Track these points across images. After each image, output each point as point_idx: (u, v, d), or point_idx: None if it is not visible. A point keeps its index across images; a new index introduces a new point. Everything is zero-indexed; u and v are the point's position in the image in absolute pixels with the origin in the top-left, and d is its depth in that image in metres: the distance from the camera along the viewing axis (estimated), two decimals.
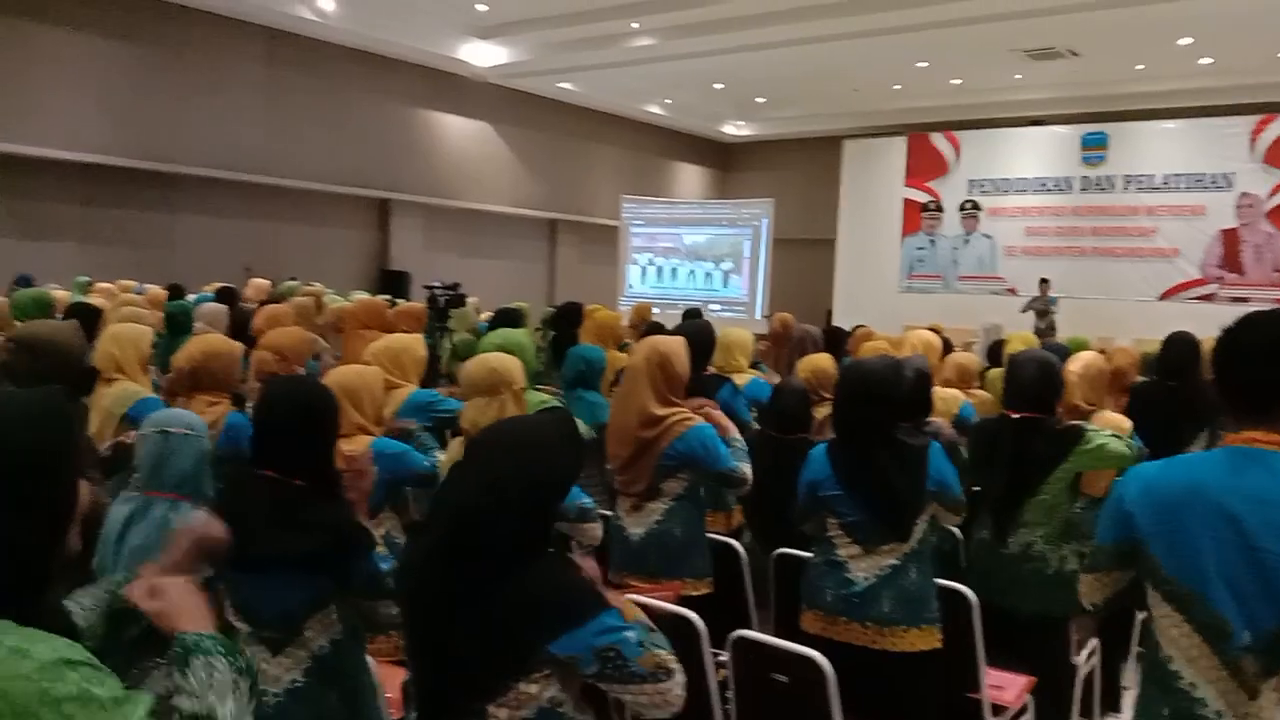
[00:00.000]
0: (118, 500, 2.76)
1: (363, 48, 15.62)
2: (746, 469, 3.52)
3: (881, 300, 18.97)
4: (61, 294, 8.06)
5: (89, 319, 5.51)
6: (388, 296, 9.78)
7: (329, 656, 2.45)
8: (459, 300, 8.40)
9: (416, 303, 8.44)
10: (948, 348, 6.45)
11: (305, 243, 15.57)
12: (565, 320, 7.18)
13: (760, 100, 20.15)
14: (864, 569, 3.17)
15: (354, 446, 3.04)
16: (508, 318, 7.33)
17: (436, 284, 8.43)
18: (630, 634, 1.87)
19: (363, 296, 8.91)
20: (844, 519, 3.20)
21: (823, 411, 4.36)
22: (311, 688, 2.44)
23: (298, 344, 4.07)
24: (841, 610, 3.19)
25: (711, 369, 4.89)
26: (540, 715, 1.85)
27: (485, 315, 8.79)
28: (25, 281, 9.64)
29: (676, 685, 1.91)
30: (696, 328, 4.84)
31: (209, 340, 3.72)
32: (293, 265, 14.04)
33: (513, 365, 3.07)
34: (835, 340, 6.97)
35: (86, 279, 9.68)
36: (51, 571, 1.36)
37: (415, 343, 4.21)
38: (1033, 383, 3.53)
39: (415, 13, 14.52)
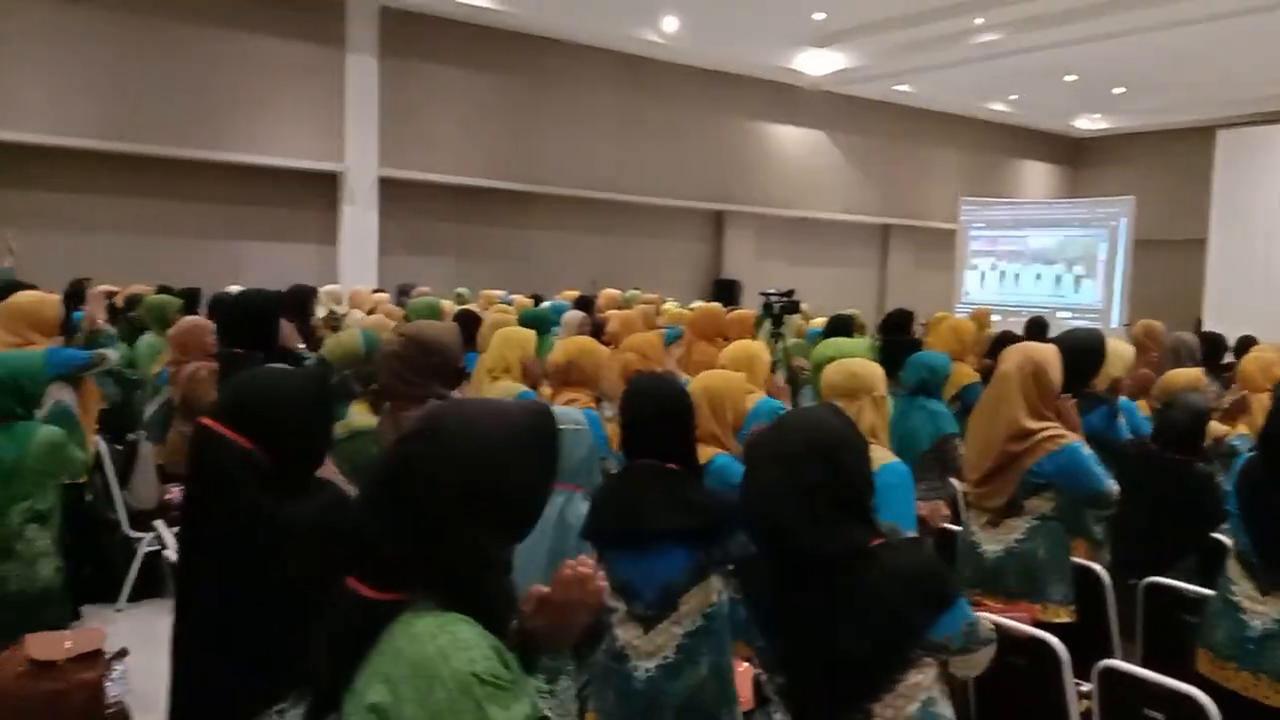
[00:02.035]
0: None
1: (702, 65, 16.19)
2: (1115, 488, 3.30)
3: (1264, 307, 16.84)
4: (445, 303, 9.04)
5: (469, 325, 6.14)
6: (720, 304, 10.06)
7: (701, 630, 2.61)
8: (794, 307, 8.49)
9: (747, 310, 8.62)
10: None
11: (646, 254, 16.40)
12: (897, 327, 7.05)
13: (1118, 91, 18.59)
14: (1261, 613, 2.86)
15: (702, 455, 3.11)
16: (841, 324, 7.32)
17: (772, 291, 8.55)
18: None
19: (699, 304, 9.24)
20: (1242, 553, 2.91)
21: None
22: (683, 662, 2.60)
23: (657, 346, 4.31)
24: (1232, 656, 2.90)
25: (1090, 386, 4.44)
26: (923, 708, 1.84)
27: (817, 321, 8.81)
28: (406, 290, 10.86)
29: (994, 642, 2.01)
30: (1081, 337, 4.18)
31: (582, 340, 4.04)
32: (634, 276, 14.85)
33: (874, 371, 3.05)
34: (1215, 349, 6.30)
35: (466, 290, 10.74)
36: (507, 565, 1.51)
37: (762, 350, 4.29)
38: None
39: (753, 27, 14.81)
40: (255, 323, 4.50)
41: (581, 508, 3.04)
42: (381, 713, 1.32)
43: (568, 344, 4.00)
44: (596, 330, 6.91)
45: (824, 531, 1.84)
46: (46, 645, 3.07)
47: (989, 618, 2.55)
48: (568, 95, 15.12)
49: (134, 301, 7.57)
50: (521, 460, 1.46)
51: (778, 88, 17.31)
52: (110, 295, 7.73)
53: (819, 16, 14.72)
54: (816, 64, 16.70)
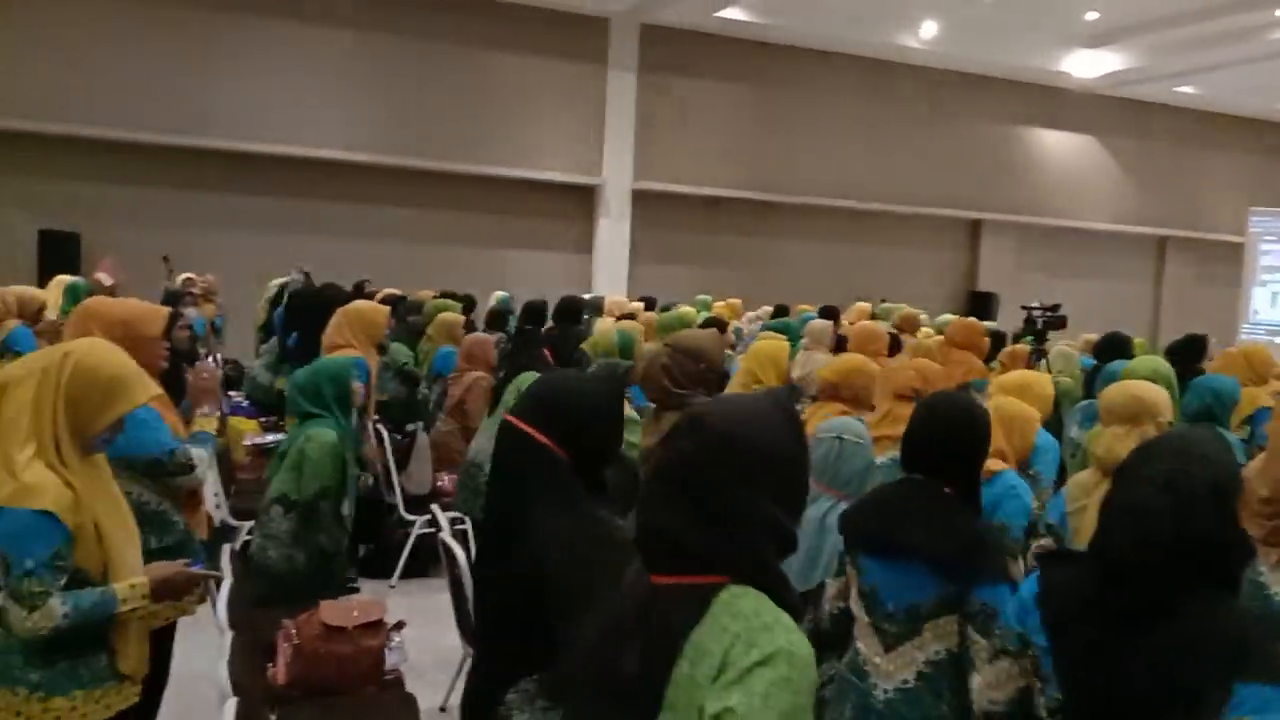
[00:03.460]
0: None
1: (959, 69, 15.65)
2: None
3: None
4: (689, 311, 9.22)
5: (722, 330, 6.26)
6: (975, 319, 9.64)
7: (945, 664, 2.51)
8: (1059, 322, 8.02)
9: (1020, 346, 8.18)
10: None
11: (893, 264, 16.01)
12: (1187, 355, 6.44)
13: None
14: None
15: (989, 466, 3.02)
16: (1117, 345, 6.82)
17: (1035, 305, 8.13)
18: None
19: (951, 318, 8.91)
20: None
21: None
22: (922, 692, 2.52)
23: (939, 369, 4.21)
24: None
25: None
26: None
27: (1087, 338, 8.26)
28: (653, 301, 11.13)
29: None
30: None
31: (854, 360, 4.06)
32: (881, 286, 14.51)
33: (1160, 396, 2.85)
34: None
35: (708, 297, 10.91)
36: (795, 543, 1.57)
37: (1043, 380, 4.05)
38: None
39: (1019, 28, 14.17)
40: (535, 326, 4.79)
41: None
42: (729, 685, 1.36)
43: (838, 362, 4.05)
44: (841, 342, 6.83)
45: (1193, 580, 1.77)
46: (338, 612, 3.40)
47: None
48: (817, 103, 15.04)
49: (415, 306, 8.20)
50: (780, 436, 1.50)
51: (1042, 90, 16.45)
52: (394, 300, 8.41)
53: (1091, 16, 13.89)
54: (1087, 65, 15.74)
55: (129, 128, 11.48)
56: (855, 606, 2.61)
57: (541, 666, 1.97)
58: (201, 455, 3.17)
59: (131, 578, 2.33)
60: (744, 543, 1.44)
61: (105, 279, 7.59)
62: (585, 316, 8.29)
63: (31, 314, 5.35)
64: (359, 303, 5.51)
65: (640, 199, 14.12)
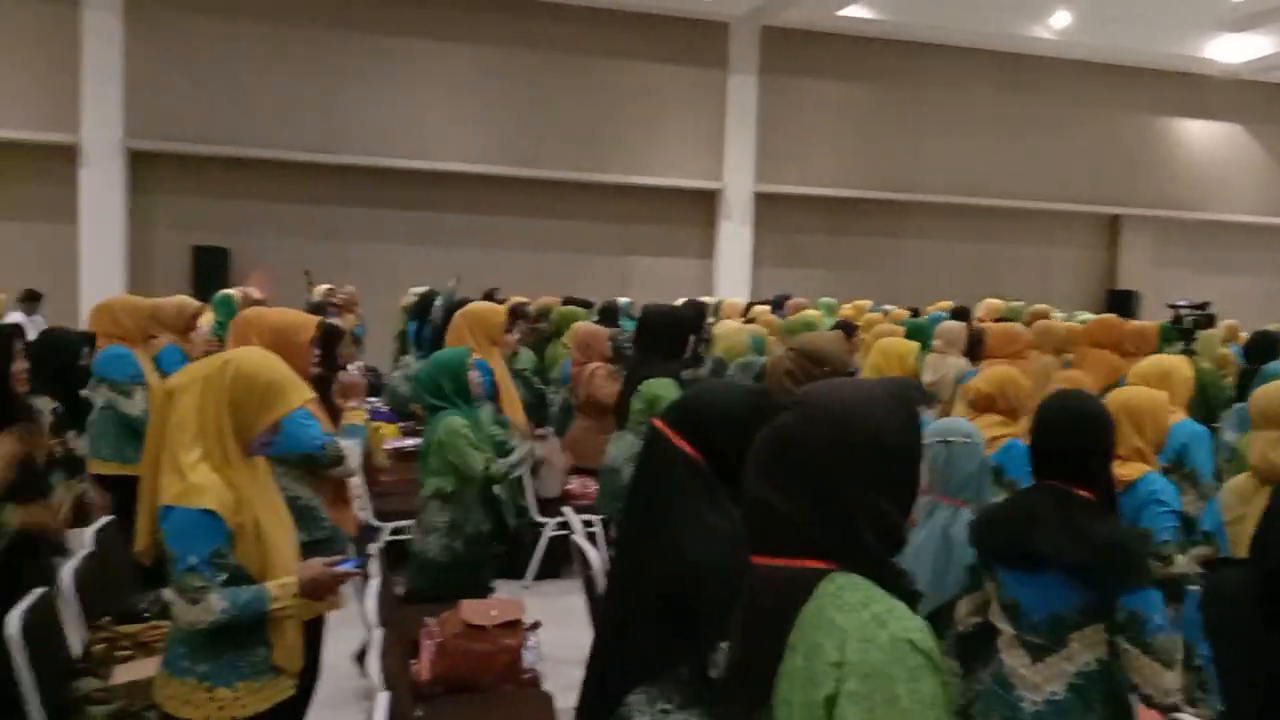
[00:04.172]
0: None
1: (1094, 59, 15.06)
2: None
3: None
4: (814, 313, 9.13)
5: (849, 333, 6.20)
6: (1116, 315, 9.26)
7: (1095, 675, 2.43)
8: (1208, 321, 7.64)
9: (1149, 322, 7.87)
10: None
11: (1028, 263, 15.51)
12: None
13: None
14: None
15: (1128, 472, 2.94)
16: (1268, 344, 6.46)
17: (1182, 303, 7.77)
18: None
19: (1089, 316, 8.58)
20: None
21: None
22: (1072, 704, 2.45)
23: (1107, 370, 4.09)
24: None
25: None
26: None
27: (1229, 324, 7.85)
28: (780, 301, 11.06)
29: None
30: None
31: (1006, 371, 3.96)
32: (1015, 286, 14.06)
33: None
34: None
35: (832, 300, 10.78)
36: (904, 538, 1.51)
37: (1181, 366, 3.90)
38: None
39: (1157, 16, 13.58)
40: (668, 333, 4.83)
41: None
42: (832, 676, 1.32)
43: (989, 373, 3.97)
44: (975, 341, 6.66)
45: None
46: (478, 611, 3.51)
47: None
48: (944, 99, 14.71)
49: (542, 312, 8.37)
50: (886, 418, 1.45)
51: (1183, 79, 15.70)
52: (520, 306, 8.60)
53: None
54: (1232, 50, 14.95)
55: (273, 148, 12.13)
56: (997, 620, 2.56)
57: (668, 668, 1.98)
58: (353, 448, 3.30)
59: (284, 576, 2.46)
60: (844, 525, 1.39)
61: (255, 292, 7.99)
62: (710, 320, 8.32)
63: (186, 321, 5.66)
64: (476, 304, 5.67)
65: (762, 202, 14.08)
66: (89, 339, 4.63)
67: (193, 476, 2.31)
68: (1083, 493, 2.46)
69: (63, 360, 3.17)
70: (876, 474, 1.42)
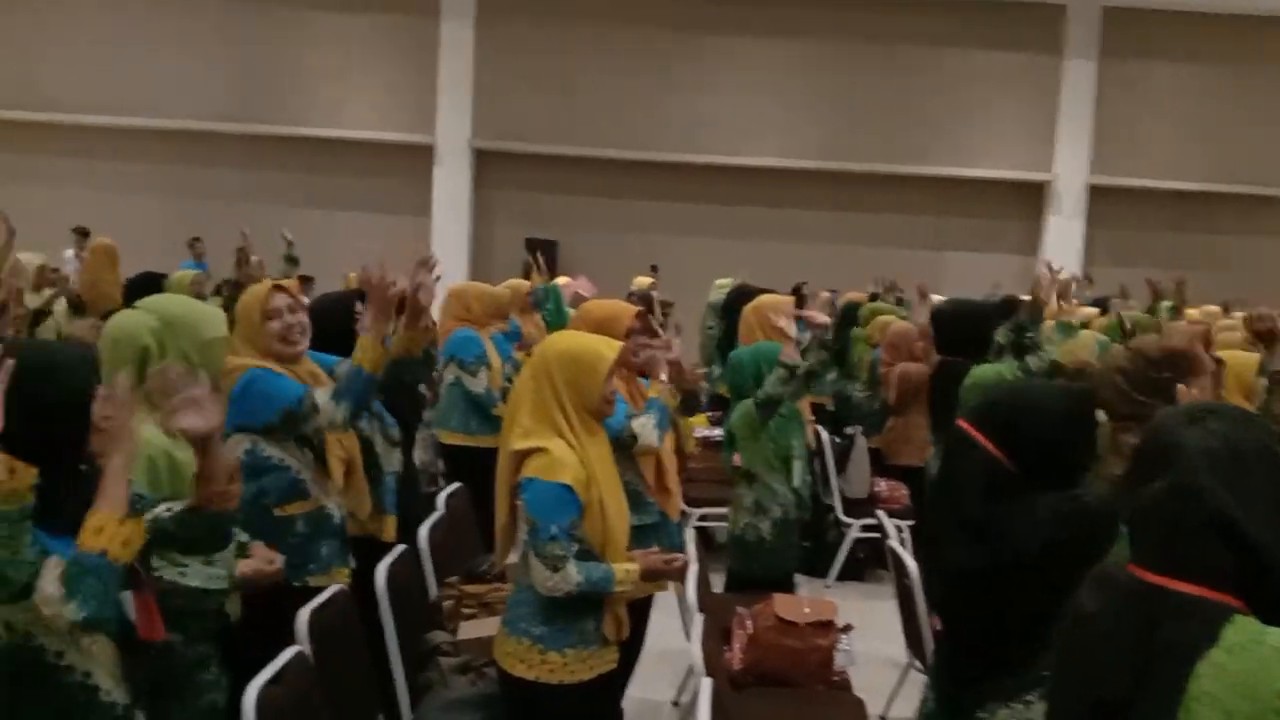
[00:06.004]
0: None
1: None
2: None
3: None
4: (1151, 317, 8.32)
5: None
6: None
7: None
8: None
9: None
10: None
11: None
12: None
13: None
14: None
15: None
16: None
17: None
18: None
19: None
20: None
21: None
22: None
23: None
24: None
25: None
26: None
27: None
28: (1101, 301, 10.16)
29: None
30: None
31: None
32: None
33: None
34: None
35: (1170, 302, 9.80)
36: None
37: None
38: None
39: None
40: (967, 331, 4.62)
41: None
42: None
43: None
44: None
45: None
46: (791, 606, 3.51)
47: None
48: None
49: (850, 309, 8.22)
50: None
51: None
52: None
53: None
54: None
55: (600, 145, 12.87)
56: None
57: (1021, 667, 1.93)
58: (646, 423, 3.23)
59: (622, 557, 2.60)
60: (1260, 557, 1.24)
61: (583, 292, 8.49)
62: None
63: (522, 303, 6.19)
64: (763, 296, 5.62)
65: (1097, 195, 13.14)
66: (360, 295, 4.92)
67: (555, 452, 2.50)
68: None
69: (339, 323, 3.42)
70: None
